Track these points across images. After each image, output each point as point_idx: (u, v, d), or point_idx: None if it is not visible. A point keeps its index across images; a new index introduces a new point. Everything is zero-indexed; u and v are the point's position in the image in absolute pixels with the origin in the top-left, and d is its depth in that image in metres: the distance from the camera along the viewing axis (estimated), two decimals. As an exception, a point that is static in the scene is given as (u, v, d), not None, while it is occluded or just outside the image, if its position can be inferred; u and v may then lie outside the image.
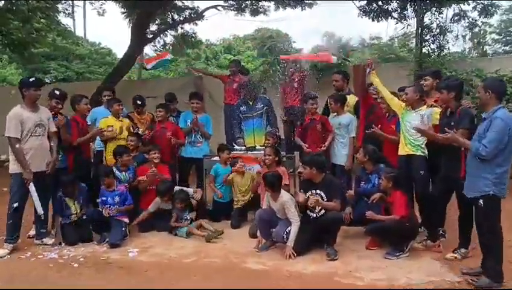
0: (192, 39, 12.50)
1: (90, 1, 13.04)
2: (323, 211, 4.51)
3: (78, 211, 5.09)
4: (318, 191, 4.56)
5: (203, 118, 6.37)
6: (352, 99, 5.93)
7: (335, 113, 5.84)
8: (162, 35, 12.86)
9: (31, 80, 4.78)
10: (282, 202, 4.55)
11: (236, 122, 6.39)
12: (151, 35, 11.33)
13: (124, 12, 12.20)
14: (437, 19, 8.63)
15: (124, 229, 5.03)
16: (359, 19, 9.57)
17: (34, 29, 10.71)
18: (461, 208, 4.21)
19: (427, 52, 8.63)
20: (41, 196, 4.77)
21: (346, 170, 5.69)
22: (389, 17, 9.46)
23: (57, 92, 5.20)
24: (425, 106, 4.70)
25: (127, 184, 5.32)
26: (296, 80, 6.72)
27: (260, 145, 6.11)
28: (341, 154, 5.69)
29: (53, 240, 4.99)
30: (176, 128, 6.15)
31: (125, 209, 5.15)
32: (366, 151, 4.89)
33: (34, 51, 12.85)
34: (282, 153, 5.77)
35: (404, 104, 4.83)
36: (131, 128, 5.80)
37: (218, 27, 27.86)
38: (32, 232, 5.14)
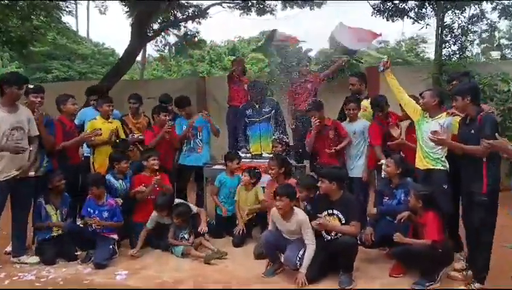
0: (196, 39, 11.89)
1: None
2: (339, 233, 3.90)
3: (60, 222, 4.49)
4: (335, 212, 3.94)
5: (198, 121, 5.73)
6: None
7: (346, 120, 5.25)
8: (164, 34, 12.46)
9: (16, 76, 4.25)
10: (298, 221, 3.92)
11: (241, 127, 5.79)
12: (152, 33, 10.75)
13: (127, 11, 11.73)
14: (458, 18, 7.99)
15: (112, 247, 4.42)
16: (366, 21, 8.98)
17: (33, 27, 10.28)
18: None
19: (447, 54, 7.99)
20: (19, 207, 4.19)
21: (364, 183, 5.07)
22: (405, 17, 8.83)
23: (31, 86, 4.60)
24: (445, 114, 4.11)
25: (116, 200, 4.67)
26: (310, 80, 6.11)
27: (267, 153, 5.51)
28: (357, 166, 5.07)
29: (32, 257, 4.39)
30: (174, 133, 5.56)
31: (112, 226, 4.53)
32: (395, 161, 4.26)
33: (35, 49, 12.47)
34: (291, 161, 5.18)
35: (420, 109, 4.26)
36: (119, 132, 5.21)
37: (222, 29, 27.36)
38: (9, 248, 4.54)
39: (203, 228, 4.70)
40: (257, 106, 5.74)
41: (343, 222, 3.88)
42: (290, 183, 4.44)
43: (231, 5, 11.30)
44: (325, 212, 3.97)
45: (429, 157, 4.09)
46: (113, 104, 5.34)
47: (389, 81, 4.58)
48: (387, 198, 4.31)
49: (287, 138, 5.51)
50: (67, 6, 11.66)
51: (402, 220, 3.93)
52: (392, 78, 4.57)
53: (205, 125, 5.75)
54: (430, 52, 14.08)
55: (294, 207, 4.02)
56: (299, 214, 3.98)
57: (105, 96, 5.50)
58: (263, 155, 5.44)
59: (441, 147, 3.97)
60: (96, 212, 4.49)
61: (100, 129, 5.05)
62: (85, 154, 5.42)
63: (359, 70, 7.29)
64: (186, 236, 4.62)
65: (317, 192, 4.12)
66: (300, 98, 6.06)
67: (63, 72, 17.62)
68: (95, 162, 5.15)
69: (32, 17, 9.88)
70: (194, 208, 4.90)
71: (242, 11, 11.48)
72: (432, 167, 4.06)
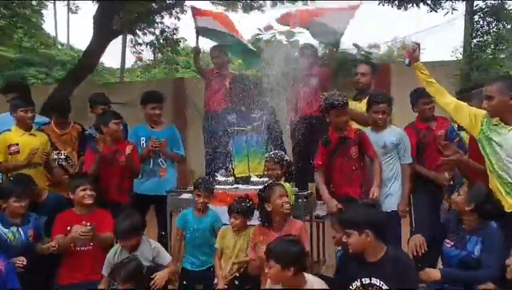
0: (174, 37, 10.41)
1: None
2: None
3: None
4: (375, 281, 2.32)
5: (165, 131, 4.14)
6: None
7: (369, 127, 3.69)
8: (141, 33, 11.01)
9: None
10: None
11: (222, 139, 4.16)
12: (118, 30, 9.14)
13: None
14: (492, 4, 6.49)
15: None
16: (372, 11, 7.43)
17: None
18: None
19: (478, 45, 6.48)
20: None
21: (400, 218, 3.48)
22: (421, 3, 7.29)
23: None
24: None
25: (11, 261, 2.95)
26: (316, 76, 4.49)
27: (257, 175, 3.87)
28: (390, 194, 3.47)
29: None
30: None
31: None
32: (473, 194, 2.67)
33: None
34: (293, 188, 3.55)
35: (483, 114, 2.86)
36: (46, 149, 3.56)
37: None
38: None
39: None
40: (243, 110, 4.11)
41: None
42: (295, 229, 2.82)
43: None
44: (357, 283, 2.36)
45: None
46: (34, 108, 3.69)
47: (421, 78, 3.16)
48: (450, 244, 2.71)
49: (286, 155, 3.76)
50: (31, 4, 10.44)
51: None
52: (425, 73, 3.15)
53: (172, 138, 4.12)
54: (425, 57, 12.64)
55: (306, 275, 2.39)
56: (314, 282, 2.37)
57: (23, 97, 3.80)
58: (252, 179, 3.79)
59: None
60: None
61: (17, 145, 3.45)
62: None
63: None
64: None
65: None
66: (303, 99, 4.44)
67: (40, 79, 16.37)
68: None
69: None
70: (167, 258, 3.24)
71: (226, 8, 10.32)
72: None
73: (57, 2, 14.60)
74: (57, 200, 3.58)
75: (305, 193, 3.65)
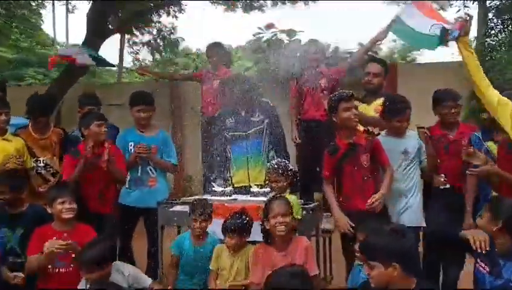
0: (171, 37, 10.12)
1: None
2: None
3: None
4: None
5: (155, 137, 3.77)
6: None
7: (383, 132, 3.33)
8: (138, 32, 10.73)
9: None
10: None
11: (218, 145, 3.80)
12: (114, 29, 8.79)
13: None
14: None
15: None
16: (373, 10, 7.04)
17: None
18: None
19: (492, 43, 6.12)
20: None
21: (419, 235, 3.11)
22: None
23: None
24: None
25: None
26: (325, 75, 4.11)
27: (258, 185, 3.51)
28: (410, 208, 3.10)
29: None
30: (116, 153, 3.54)
31: None
32: (499, 208, 2.30)
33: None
34: (298, 200, 3.18)
35: None
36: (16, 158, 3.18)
37: (205, 30, 25.82)
38: None
39: None
40: (242, 113, 3.74)
41: None
42: (300, 249, 2.45)
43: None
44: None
45: None
46: (9, 110, 3.32)
47: (465, 56, 2.82)
48: (485, 270, 2.33)
49: (290, 165, 3.33)
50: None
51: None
52: (470, 51, 2.84)
53: (163, 144, 3.76)
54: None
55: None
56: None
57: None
58: (252, 189, 3.43)
59: None
60: None
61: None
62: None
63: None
64: None
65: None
66: (309, 100, 4.08)
67: (38, 79, 16.09)
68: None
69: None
70: (147, 281, 2.86)
71: (226, 6, 9.95)
72: None
73: (56, 2, 14.31)
74: (36, 213, 3.19)
75: (311, 206, 3.29)
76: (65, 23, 21.67)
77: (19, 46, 14.87)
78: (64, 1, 14.84)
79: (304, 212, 3.09)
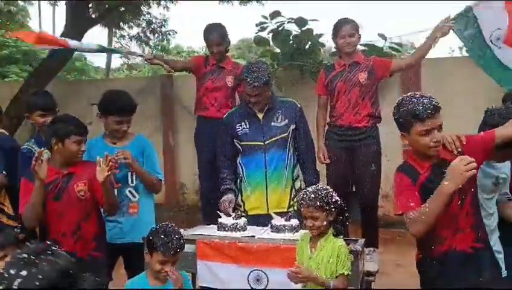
0: (162, 29, 9.26)
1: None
2: None
3: None
4: None
5: (131, 145, 2.76)
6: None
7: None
8: (125, 24, 9.85)
9: None
10: None
11: (225, 157, 2.83)
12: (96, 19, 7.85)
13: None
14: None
15: None
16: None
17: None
18: None
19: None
20: None
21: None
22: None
23: None
24: None
25: None
26: (365, 70, 3.14)
27: (279, 213, 2.56)
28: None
29: None
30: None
31: None
32: None
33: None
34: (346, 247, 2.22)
35: None
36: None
37: (199, 29, 25.23)
38: None
39: None
40: (260, 116, 2.77)
41: None
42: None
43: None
44: None
45: None
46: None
47: None
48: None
49: (335, 195, 2.28)
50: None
51: None
52: None
53: (143, 152, 2.77)
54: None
55: None
56: None
57: None
58: (274, 222, 2.47)
59: None
60: None
61: None
62: None
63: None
64: None
65: None
66: (343, 102, 3.12)
67: (23, 77, 15.43)
68: None
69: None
70: None
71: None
72: None
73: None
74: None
75: (358, 247, 2.33)
76: (52, 21, 20.79)
77: (3, 44, 14.11)
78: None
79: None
